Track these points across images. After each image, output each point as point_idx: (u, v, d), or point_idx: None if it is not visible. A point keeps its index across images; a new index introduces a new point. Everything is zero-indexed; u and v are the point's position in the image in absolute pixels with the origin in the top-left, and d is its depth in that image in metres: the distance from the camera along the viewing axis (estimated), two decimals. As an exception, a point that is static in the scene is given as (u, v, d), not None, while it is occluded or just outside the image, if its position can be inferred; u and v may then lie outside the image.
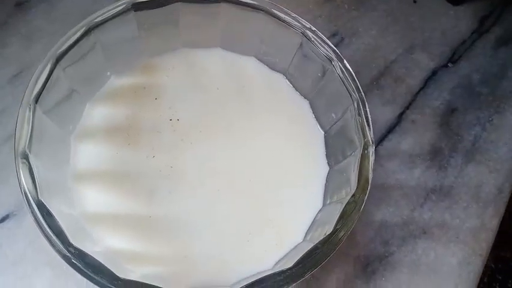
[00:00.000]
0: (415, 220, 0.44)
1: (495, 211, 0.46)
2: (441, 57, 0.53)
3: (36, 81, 0.33)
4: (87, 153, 0.37)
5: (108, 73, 0.40)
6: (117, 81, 0.40)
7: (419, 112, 0.49)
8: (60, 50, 0.34)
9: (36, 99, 0.32)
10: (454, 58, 0.53)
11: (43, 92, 0.33)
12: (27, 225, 0.39)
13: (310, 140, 0.41)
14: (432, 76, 0.51)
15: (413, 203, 0.45)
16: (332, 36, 0.52)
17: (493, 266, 0.91)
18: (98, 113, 0.39)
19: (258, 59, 0.43)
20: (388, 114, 0.49)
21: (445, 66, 0.52)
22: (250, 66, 0.42)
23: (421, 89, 0.51)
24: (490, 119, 0.50)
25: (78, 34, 0.34)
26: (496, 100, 0.51)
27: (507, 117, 0.50)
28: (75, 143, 0.38)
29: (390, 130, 0.48)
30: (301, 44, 0.39)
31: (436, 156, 0.47)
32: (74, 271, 0.29)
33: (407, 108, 0.49)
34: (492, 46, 0.54)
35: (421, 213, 0.45)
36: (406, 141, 0.48)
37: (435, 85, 0.51)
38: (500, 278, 0.91)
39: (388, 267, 0.42)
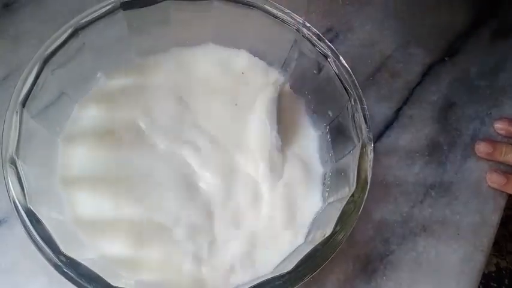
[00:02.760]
0: (415, 217, 0.44)
1: (495, 206, 0.45)
2: (437, 51, 0.52)
3: (23, 85, 0.32)
4: (76, 156, 0.36)
5: (98, 74, 0.39)
6: (107, 83, 0.39)
7: (416, 107, 0.49)
8: (47, 52, 0.33)
9: (23, 103, 0.31)
10: (450, 52, 0.52)
11: (30, 96, 0.32)
12: (19, 232, 0.38)
13: (306, 140, 0.40)
14: (429, 70, 0.51)
15: (412, 199, 0.44)
16: (326, 32, 0.51)
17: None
18: (86, 115, 0.38)
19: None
20: (385, 110, 0.48)
21: (442, 60, 0.51)
22: (244, 64, 0.42)
23: (418, 83, 0.50)
24: (489, 112, 0.49)
25: (65, 35, 0.34)
26: (494, 93, 0.50)
27: (506, 111, 0.50)
28: (63, 146, 0.37)
29: (388, 126, 0.47)
30: (295, 41, 0.38)
31: (434, 151, 0.47)
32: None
33: (404, 103, 0.49)
34: (489, 39, 0.53)
35: (421, 210, 0.44)
36: (404, 137, 0.47)
37: (432, 79, 0.50)
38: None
39: (389, 265, 0.42)
